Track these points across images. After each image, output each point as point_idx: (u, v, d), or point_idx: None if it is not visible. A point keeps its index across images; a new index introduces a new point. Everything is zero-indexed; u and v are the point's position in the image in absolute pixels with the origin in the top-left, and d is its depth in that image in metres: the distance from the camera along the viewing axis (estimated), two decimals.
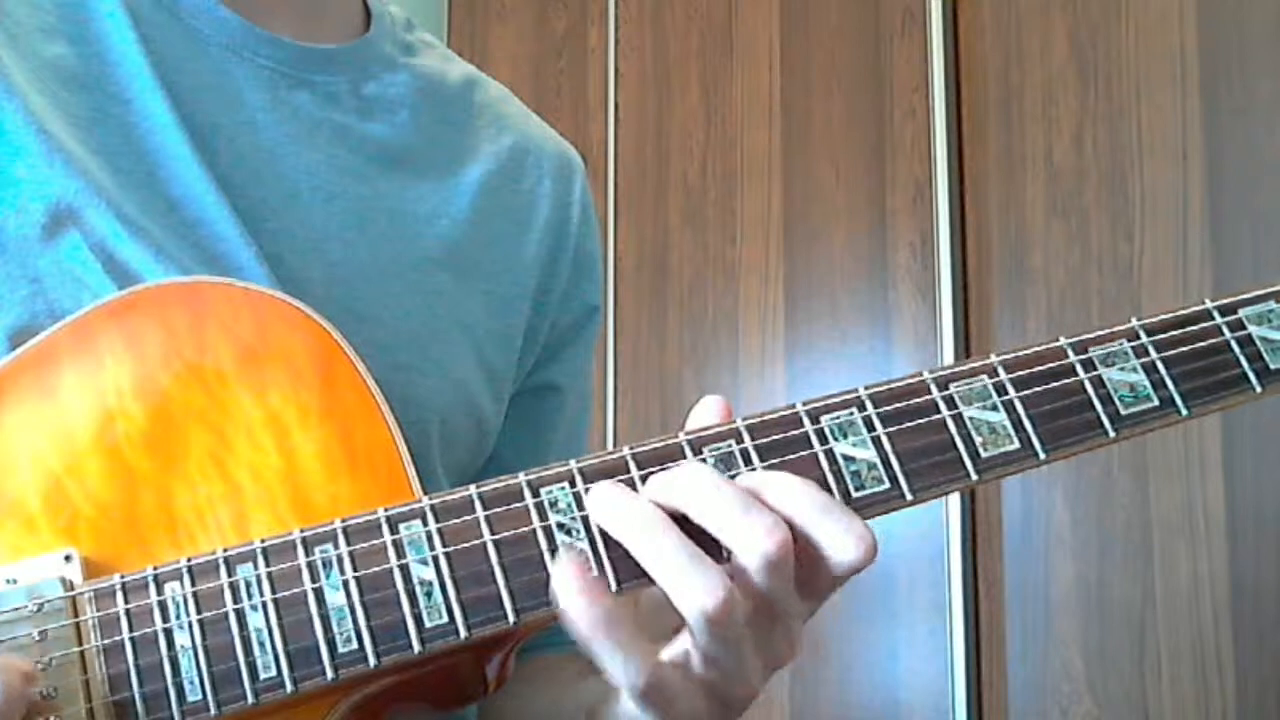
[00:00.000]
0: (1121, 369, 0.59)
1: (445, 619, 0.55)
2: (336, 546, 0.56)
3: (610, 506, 0.56)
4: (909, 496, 0.57)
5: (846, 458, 0.57)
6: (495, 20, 2.49)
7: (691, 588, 0.53)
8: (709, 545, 0.55)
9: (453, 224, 0.79)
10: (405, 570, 0.56)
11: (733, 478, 0.57)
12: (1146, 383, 0.58)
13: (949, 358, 1.90)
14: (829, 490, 0.57)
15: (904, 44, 2.01)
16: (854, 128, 2.05)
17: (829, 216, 2.05)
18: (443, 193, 0.80)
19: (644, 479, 0.57)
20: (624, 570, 0.55)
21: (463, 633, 0.55)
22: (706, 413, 0.59)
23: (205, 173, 0.69)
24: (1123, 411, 0.58)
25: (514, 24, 2.46)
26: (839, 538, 0.54)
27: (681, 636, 0.55)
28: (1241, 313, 0.60)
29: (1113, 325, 0.60)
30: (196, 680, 0.55)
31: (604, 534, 0.56)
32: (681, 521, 0.55)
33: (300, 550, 0.56)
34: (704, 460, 0.57)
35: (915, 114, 1.99)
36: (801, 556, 0.55)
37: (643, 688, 0.54)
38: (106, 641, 0.56)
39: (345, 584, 0.56)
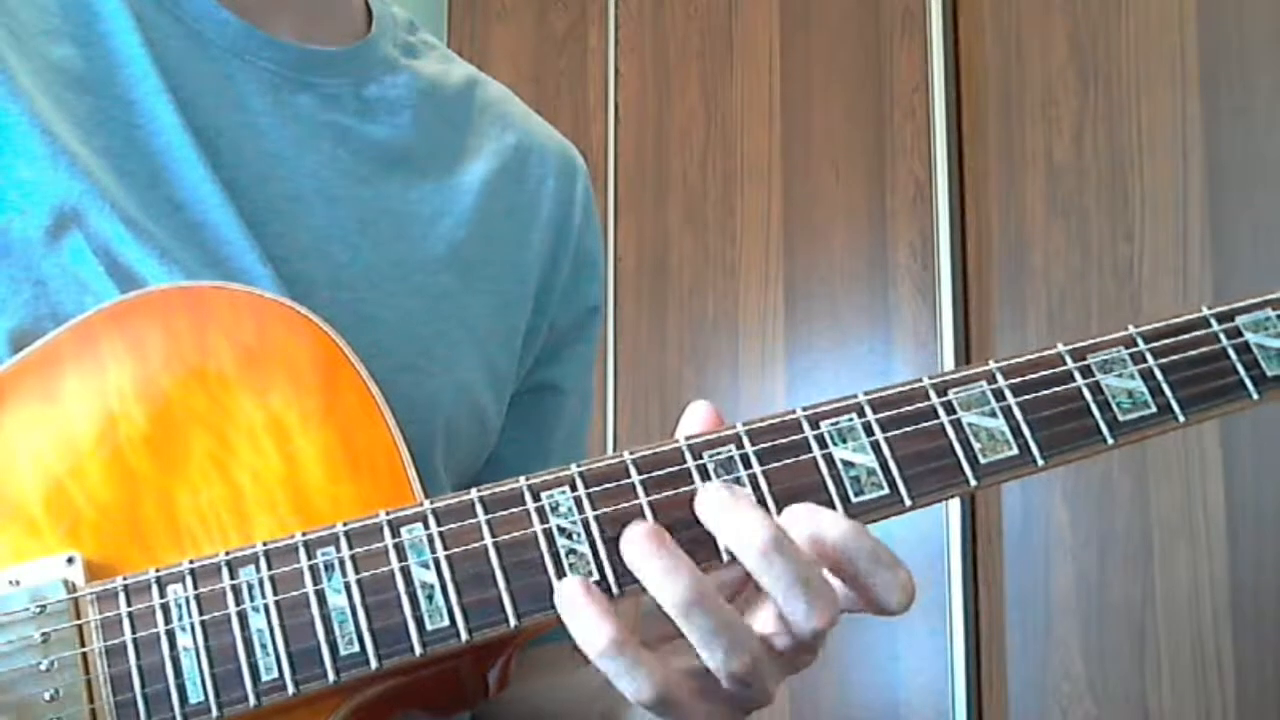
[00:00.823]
0: (1119, 376, 0.59)
1: (446, 622, 0.56)
2: (338, 549, 0.57)
3: (648, 564, 0.54)
4: (908, 502, 0.57)
5: (846, 463, 0.57)
6: (495, 20, 2.49)
7: (720, 657, 0.53)
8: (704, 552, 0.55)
9: (456, 224, 0.79)
10: (406, 573, 0.56)
11: (735, 482, 0.57)
12: (1144, 389, 0.59)
13: (949, 358, 1.90)
14: (828, 495, 0.57)
15: (904, 44, 2.01)
16: (854, 128, 2.05)
17: (829, 216, 2.05)
18: (445, 193, 0.80)
19: (644, 484, 0.57)
20: (625, 575, 0.55)
21: (464, 636, 0.55)
22: (694, 419, 0.59)
23: (209, 175, 0.70)
24: (1121, 418, 0.58)
25: (514, 24, 2.46)
26: (886, 590, 0.54)
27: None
28: (1239, 320, 0.60)
29: (1110, 333, 0.60)
30: (199, 682, 0.55)
31: (604, 539, 0.56)
32: (680, 527, 0.55)
33: (302, 553, 0.57)
34: (704, 466, 0.58)
35: (915, 114, 1.99)
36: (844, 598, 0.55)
37: (651, 702, 0.54)
38: (109, 643, 0.56)
39: (347, 586, 0.56)
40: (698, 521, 0.56)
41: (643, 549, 0.54)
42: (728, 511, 0.55)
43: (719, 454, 0.58)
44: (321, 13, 0.79)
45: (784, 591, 0.53)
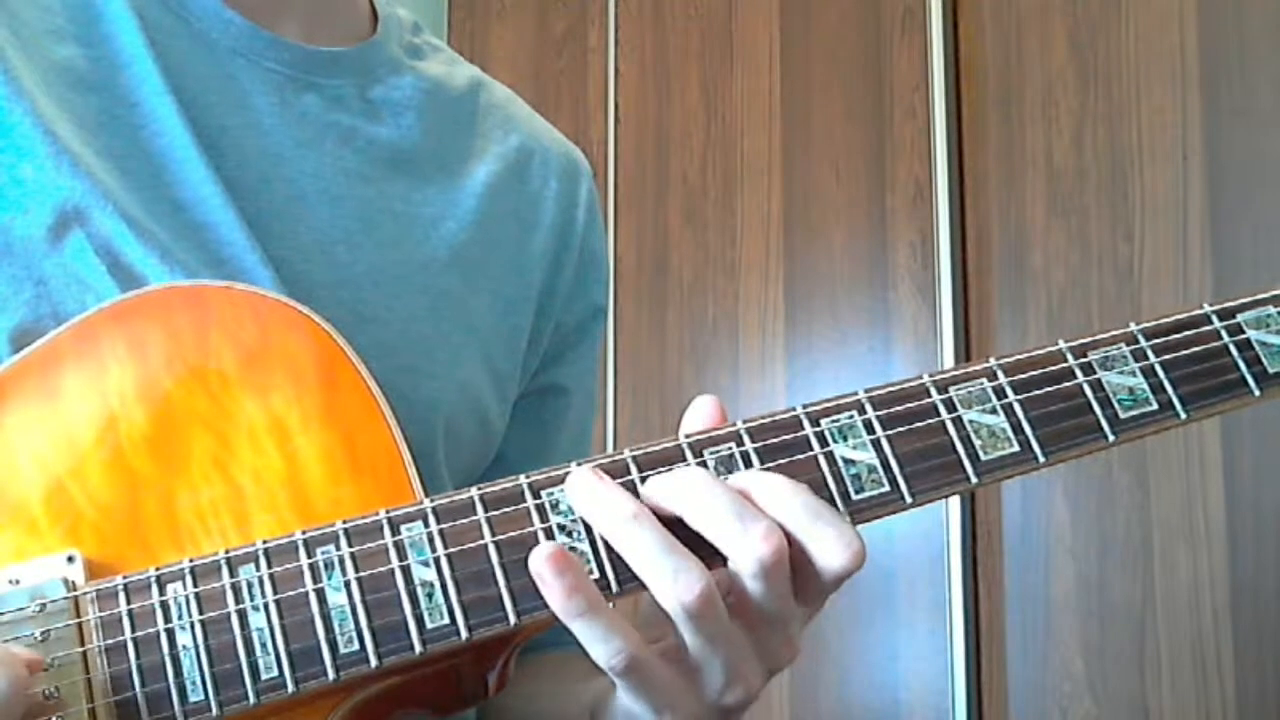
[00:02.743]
0: (1121, 373, 0.59)
1: (446, 620, 0.56)
2: (338, 548, 0.57)
3: (588, 497, 0.56)
4: (909, 499, 0.57)
5: (846, 460, 0.57)
6: (495, 20, 2.49)
7: (668, 579, 0.54)
8: (705, 550, 0.55)
9: (459, 226, 0.79)
10: (406, 571, 0.56)
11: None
12: (1145, 386, 0.59)
13: (949, 358, 1.90)
14: (829, 492, 0.57)
15: (904, 44, 2.01)
16: (854, 128, 2.05)
17: (829, 216, 2.05)
18: (449, 195, 0.80)
19: (645, 481, 0.57)
20: (624, 572, 0.56)
21: (464, 633, 0.55)
22: (699, 414, 0.60)
23: (212, 175, 0.70)
24: (1122, 415, 0.58)
25: (514, 24, 2.47)
26: (828, 544, 0.54)
27: (670, 630, 0.56)
28: (1240, 317, 0.60)
29: (1112, 329, 0.60)
30: (198, 680, 0.55)
31: (604, 537, 0.56)
32: (676, 525, 0.56)
33: (302, 551, 0.57)
34: (704, 463, 0.58)
35: (915, 114, 1.99)
36: (793, 560, 0.55)
37: (621, 667, 0.54)
38: (109, 642, 0.56)
39: (347, 585, 0.56)
40: None
41: (580, 486, 0.56)
42: (670, 476, 0.56)
43: (719, 451, 0.58)
44: (326, 13, 0.79)
45: (720, 524, 0.54)
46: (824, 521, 0.55)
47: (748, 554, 0.54)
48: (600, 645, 0.54)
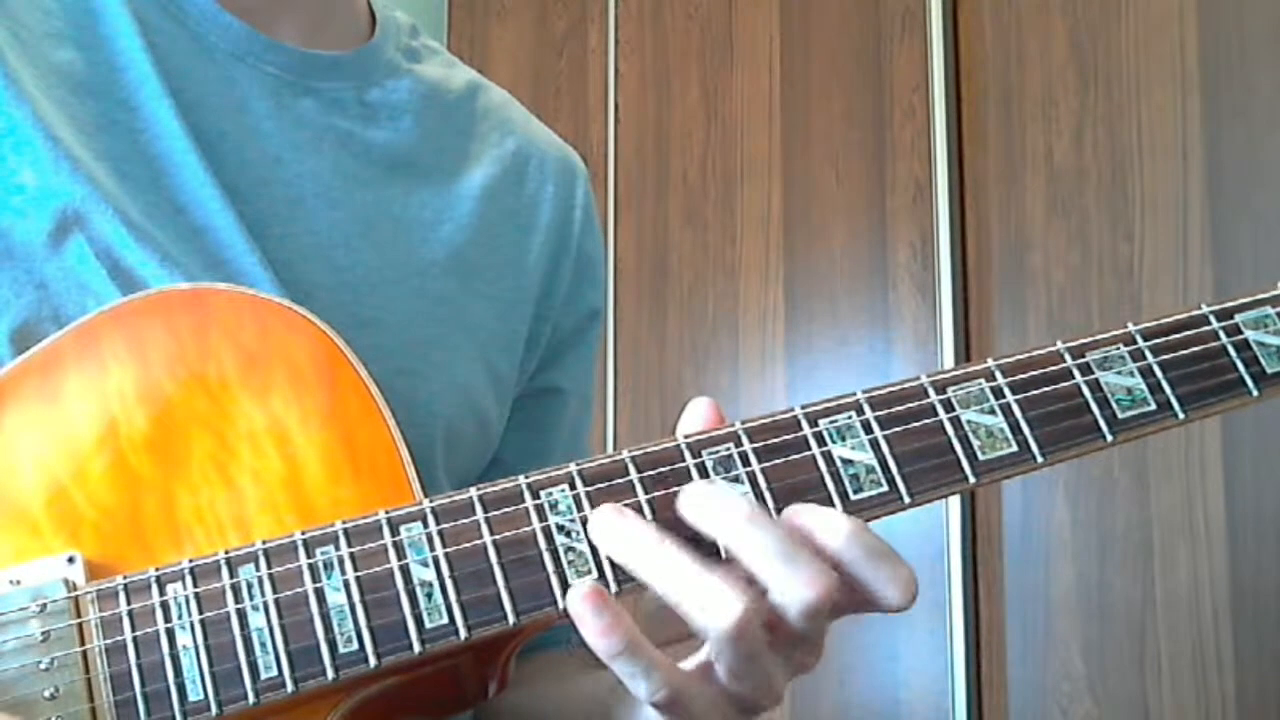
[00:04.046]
0: (1119, 373, 0.59)
1: (445, 620, 0.56)
2: (337, 548, 0.57)
3: (612, 533, 0.55)
4: (907, 499, 0.57)
5: (845, 461, 0.58)
6: (495, 20, 2.49)
7: (707, 608, 0.53)
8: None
9: (456, 229, 0.80)
10: (406, 571, 0.56)
11: (734, 480, 0.57)
12: (1143, 386, 0.59)
13: (949, 358, 1.90)
14: (826, 492, 0.57)
15: (904, 44, 2.02)
16: (854, 128, 2.05)
17: (829, 216, 2.06)
18: (446, 198, 0.80)
19: (642, 482, 0.57)
20: (623, 573, 0.56)
21: (463, 633, 0.56)
22: (694, 416, 0.59)
23: (211, 179, 0.70)
24: (1120, 415, 0.58)
25: (514, 24, 2.47)
26: (885, 584, 0.54)
27: (705, 648, 0.55)
28: (1238, 318, 0.60)
29: (1109, 330, 0.60)
30: (198, 680, 0.55)
31: None
32: (676, 526, 0.55)
33: (301, 551, 0.57)
34: (703, 463, 0.58)
35: (915, 114, 1.99)
36: (844, 592, 0.54)
37: (663, 702, 0.54)
38: (109, 642, 0.56)
39: (346, 585, 0.56)
40: None
41: (605, 523, 0.55)
42: (708, 499, 0.55)
43: (717, 452, 0.58)
44: (324, 16, 0.80)
45: (769, 563, 0.53)
46: (885, 561, 0.54)
47: (794, 596, 0.53)
48: (642, 682, 0.54)
